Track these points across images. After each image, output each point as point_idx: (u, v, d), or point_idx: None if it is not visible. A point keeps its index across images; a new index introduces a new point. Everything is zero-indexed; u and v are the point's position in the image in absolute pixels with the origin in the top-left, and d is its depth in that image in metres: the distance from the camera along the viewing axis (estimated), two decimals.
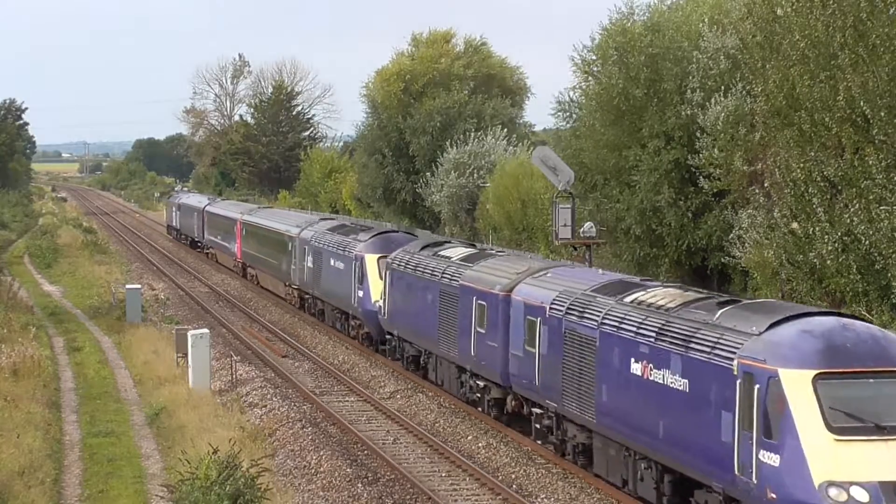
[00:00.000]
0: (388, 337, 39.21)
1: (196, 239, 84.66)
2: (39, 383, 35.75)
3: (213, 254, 77.55)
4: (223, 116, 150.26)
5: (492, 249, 37.83)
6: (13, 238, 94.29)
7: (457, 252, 35.13)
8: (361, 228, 46.55)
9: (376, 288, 39.84)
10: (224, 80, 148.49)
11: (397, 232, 45.96)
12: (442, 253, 35.65)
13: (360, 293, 41.02)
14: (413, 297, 35.92)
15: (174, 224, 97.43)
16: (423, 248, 37.18)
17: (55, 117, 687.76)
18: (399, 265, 37.36)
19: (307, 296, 50.91)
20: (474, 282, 31.41)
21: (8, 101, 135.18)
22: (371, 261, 40.82)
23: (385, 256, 39.77)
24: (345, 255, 43.12)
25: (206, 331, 37.04)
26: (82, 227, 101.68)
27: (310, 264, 48.58)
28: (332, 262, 44.91)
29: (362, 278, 40.93)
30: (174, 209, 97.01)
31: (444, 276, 33.40)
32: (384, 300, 38.55)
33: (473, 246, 37.57)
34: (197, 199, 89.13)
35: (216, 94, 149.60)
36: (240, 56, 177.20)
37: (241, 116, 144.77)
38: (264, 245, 58.97)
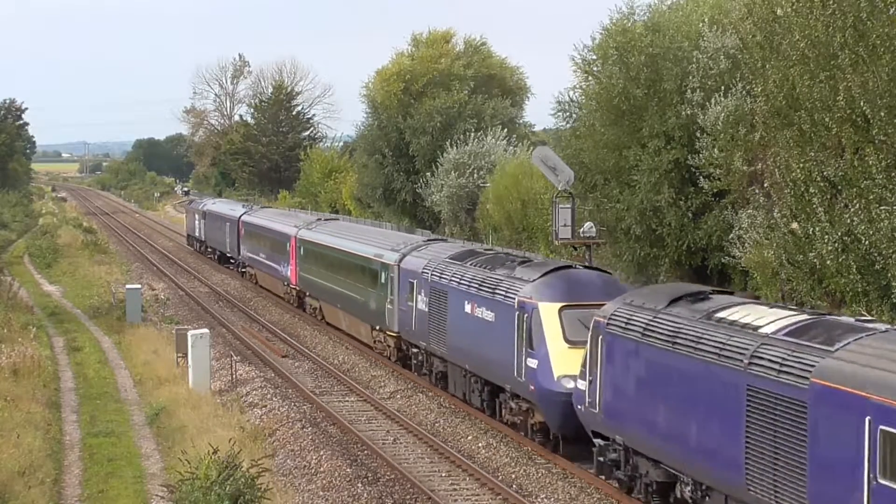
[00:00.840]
0: (600, 442, 24.90)
1: (228, 254, 71.99)
2: (39, 383, 35.77)
3: (252, 275, 64.43)
4: (223, 116, 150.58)
5: (844, 317, 21.09)
6: (13, 238, 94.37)
7: (763, 316, 20.68)
8: (518, 261, 31.60)
9: (561, 357, 26.99)
10: (224, 80, 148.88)
11: (574, 266, 30.61)
12: (727, 315, 21.32)
13: (532, 362, 27.59)
14: (667, 389, 21.98)
15: (197, 234, 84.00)
16: (672, 303, 22.97)
17: (55, 117, 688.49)
18: (625, 329, 23.50)
19: (416, 350, 36.95)
20: (868, 387, 16.77)
21: (8, 101, 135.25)
22: (549, 313, 27.46)
23: (573, 306, 27.42)
24: (494, 300, 29.85)
25: (206, 331, 37.05)
26: (82, 227, 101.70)
27: (422, 306, 35.17)
28: (467, 307, 31.67)
29: (533, 339, 27.61)
30: (197, 217, 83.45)
31: (758, 363, 19.26)
32: (595, 383, 24.63)
33: (756, 299, 24.98)
34: (229, 207, 75.59)
35: (216, 94, 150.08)
36: (240, 56, 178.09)
37: (241, 116, 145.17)
38: (338, 272, 45.44)
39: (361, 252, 42.43)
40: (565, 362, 26.80)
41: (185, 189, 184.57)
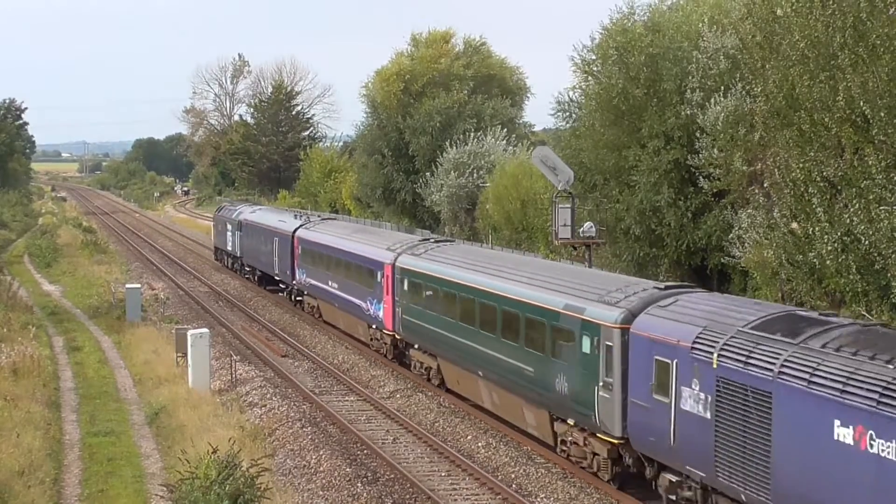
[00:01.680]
0: None
1: (276, 277, 57.31)
2: (39, 383, 35.80)
3: (314, 307, 50.90)
4: (223, 116, 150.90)
5: None
6: (13, 238, 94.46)
7: None
8: None
9: None
10: (224, 80, 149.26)
11: None
12: None
13: None
14: None
15: (230, 249, 69.38)
16: None
17: (55, 117, 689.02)
18: None
19: (674, 478, 22.90)
20: None
21: (8, 101, 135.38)
22: None
23: None
24: None
25: (205, 330, 37.06)
26: (82, 226, 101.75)
27: (695, 409, 21.46)
28: (839, 433, 17.67)
29: None
30: (230, 228, 68.78)
31: None
32: None
33: None
34: (277, 218, 60.38)
35: (216, 94, 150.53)
36: (240, 56, 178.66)
37: (240, 116, 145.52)
38: (483, 324, 31.04)
39: (536, 300, 27.95)
40: None
41: (185, 189, 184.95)
